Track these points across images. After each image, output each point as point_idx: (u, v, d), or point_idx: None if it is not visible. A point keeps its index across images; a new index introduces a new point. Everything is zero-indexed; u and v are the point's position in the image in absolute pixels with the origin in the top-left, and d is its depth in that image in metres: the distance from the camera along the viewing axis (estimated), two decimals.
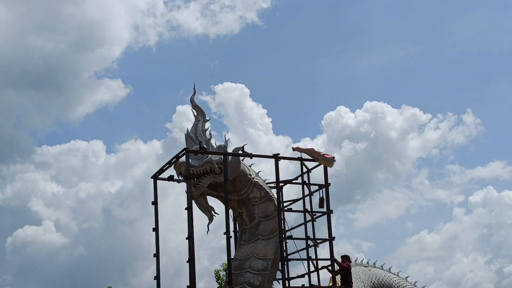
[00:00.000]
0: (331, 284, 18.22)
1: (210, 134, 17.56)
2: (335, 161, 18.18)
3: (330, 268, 17.63)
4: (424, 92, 68.95)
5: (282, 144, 58.07)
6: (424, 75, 69.32)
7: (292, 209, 18.02)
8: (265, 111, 62.14)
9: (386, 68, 69.23)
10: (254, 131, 58.68)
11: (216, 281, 34.96)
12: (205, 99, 58.04)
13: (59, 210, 57.67)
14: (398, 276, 23.79)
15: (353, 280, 21.82)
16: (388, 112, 58.94)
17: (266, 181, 17.87)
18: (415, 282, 23.98)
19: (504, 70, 68.04)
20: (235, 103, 59.16)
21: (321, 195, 18.02)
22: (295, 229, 17.97)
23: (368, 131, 56.99)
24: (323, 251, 18.10)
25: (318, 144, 56.96)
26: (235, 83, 60.23)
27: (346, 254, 18.32)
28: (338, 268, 17.70)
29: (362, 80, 69.61)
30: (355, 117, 58.83)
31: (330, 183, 18.17)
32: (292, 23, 68.89)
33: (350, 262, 18.39)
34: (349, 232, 61.23)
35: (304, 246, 17.67)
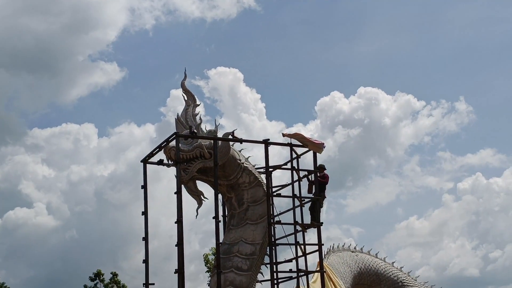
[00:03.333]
0: (318, 268, 18.41)
1: (200, 118, 17.62)
2: (324, 147, 18.28)
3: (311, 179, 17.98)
4: (418, 79, 69.18)
5: (275, 130, 58.19)
6: (419, 62, 69.54)
7: (281, 195, 18.17)
8: (258, 96, 62.15)
9: (381, 54, 69.34)
10: (247, 116, 58.72)
11: (205, 265, 35.18)
12: (199, 84, 58.02)
13: (50, 193, 57.74)
14: (385, 261, 24.01)
15: (340, 265, 22.07)
16: (382, 98, 59.06)
17: (255, 166, 17.98)
18: (401, 267, 24.20)
19: (497, 59, 68.33)
20: (229, 88, 59.14)
21: (311, 179, 18.13)
22: (283, 214, 18.12)
23: (361, 117, 57.11)
24: (313, 236, 18.30)
25: (311, 129, 57.10)
26: (229, 68, 60.17)
27: (321, 164, 18.32)
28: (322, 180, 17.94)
29: (357, 65, 69.74)
30: (349, 103, 58.91)
31: (318, 169, 18.28)
32: (288, 8, 68.85)
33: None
34: (340, 217, 61.59)
35: (292, 231, 17.82)
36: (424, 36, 69.52)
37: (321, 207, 18.05)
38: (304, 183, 18.27)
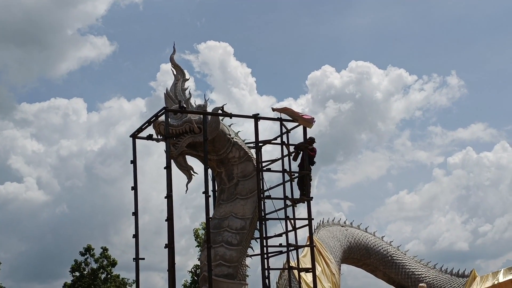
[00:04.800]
0: (308, 242, 18.48)
1: (189, 93, 17.52)
2: (314, 122, 18.22)
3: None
4: (410, 53, 69.13)
5: (266, 104, 58.23)
6: (411, 36, 69.45)
7: (271, 169, 18.16)
8: (249, 70, 61.98)
9: (373, 28, 69.18)
10: (238, 91, 58.64)
11: (195, 240, 35.26)
12: (189, 58, 57.71)
13: (40, 167, 57.63)
14: (374, 235, 24.15)
15: (330, 239, 22.18)
16: (374, 73, 59.01)
17: (245, 141, 17.93)
18: (390, 242, 24.36)
19: (489, 33, 68.30)
20: (219, 62, 58.89)
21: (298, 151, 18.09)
22: (273, 189, 18.12)
23: (353, 92, 57.07)
24: (303, 210, 18.32)
25: (302, 104, 57.06)
26: (219, 42, 59.84)
27: (311, 136, 18.27)
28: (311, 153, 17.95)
29: (348, 39, 69.55)
30: (341, 77, 58.80)
31: (308, 143, 18.24)
32: None
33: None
34: (331, 192, 61.96)
35: (282, 205, 17.83)
36: (416, 9, 69.36)
37: (311, 180, 18.04)
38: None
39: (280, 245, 17.75)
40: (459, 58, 69.65)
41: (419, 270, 23.85)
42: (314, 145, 18.32)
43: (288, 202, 17.78)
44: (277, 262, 18.69)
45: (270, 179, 18.36)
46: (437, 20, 69.19)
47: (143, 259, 17.46)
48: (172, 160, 16.49)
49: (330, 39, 70.29)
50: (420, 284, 18.21)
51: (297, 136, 18.52)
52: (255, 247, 17.73)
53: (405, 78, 62.17)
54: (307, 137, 18.15)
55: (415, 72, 73.64)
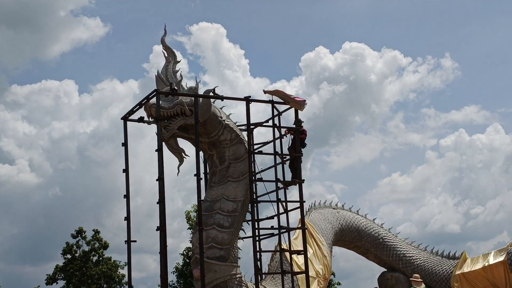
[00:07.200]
0: (299, 225, 18.52)
1: (181, 75, 17.43)
2: (306, 104, 18.20)
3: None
4: (405, 35, 68.85)
5: (259, 86, 57.92)
6: (406, 18, 69.11)
7: (263, 152, 18.15)
8: (242, 52, 61.61)
9: (367, 9, 68.80)
10: (231, 73, 58.33)
11: (187, 222, 35.27)
12: (181, 40, 57.36)
13: (31, 150, 57.35)
14: (366, 218, 24.22)
15: (322, 222, 22.23)
16: (368, 55, 58.70)
17: (237, 124, 17.90)
18: (382, 224, 24.43)
19: (482, 15, 68.07)
20: (212, 43, 58.52)
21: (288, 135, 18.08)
22: (265, 172, 18.13)
23: (347, 74, 56.85)
24: (295, 193, 18.34)
25: (295, 86, 56.89)
26: (211, 23, 59.46)
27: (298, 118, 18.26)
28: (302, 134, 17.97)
29: (343, 20, 69.21)
30: (335, 59, 58.52)
31: (301, 125, 18.24)
32: None
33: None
34: (324, 174, 62.00)
35: (274, 188, 17.84)
36: None
37: (301, 162, 18.05)
38: (286, 141, 18.26)
39: (272, 228, 17.79)
40: (453, 40, 69.50)
41: (410, 252, 23.91)
42: (304, 126, 18.30)
43: (280, 185, 17.80)
44: (269, 244, 18.80)
45: (262, 161, 18.39)
46: (431, 1, 68.94)
47: (135, 241, 17.48)
48: (163, 143, 16.43)
49: (324, 20, 69.97)
50: (415, 275, 18.31)
51: (290, 119, 18.50)
52: (247, 229, 17.79)
53: (399, 60, 61.97)
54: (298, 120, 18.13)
55: (409, 54, 73.48)
